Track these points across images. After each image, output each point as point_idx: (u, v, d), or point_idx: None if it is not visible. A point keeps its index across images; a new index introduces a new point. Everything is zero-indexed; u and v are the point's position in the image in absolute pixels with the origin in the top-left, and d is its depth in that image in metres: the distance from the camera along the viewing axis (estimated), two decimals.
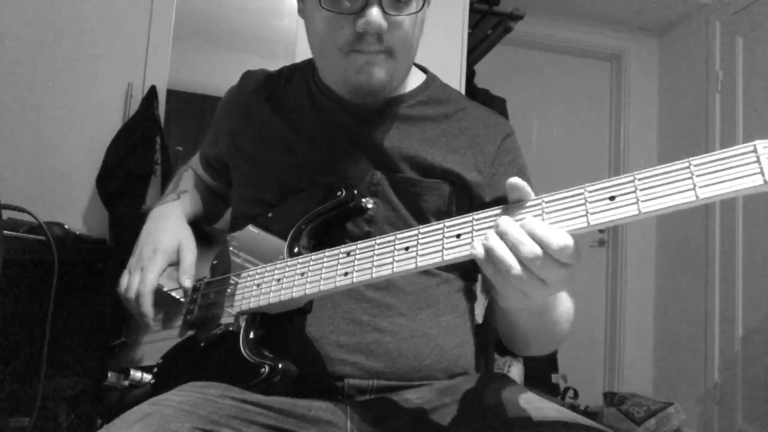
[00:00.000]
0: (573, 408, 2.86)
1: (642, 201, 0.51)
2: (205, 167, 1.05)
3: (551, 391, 2.91)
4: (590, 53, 3.63)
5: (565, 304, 0.76)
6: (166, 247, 0.87)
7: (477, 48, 2.77)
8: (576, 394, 3.00)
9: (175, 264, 0.87)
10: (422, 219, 0.84)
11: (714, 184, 0.48)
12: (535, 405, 0.70)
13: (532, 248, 0.53)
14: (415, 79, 0.92)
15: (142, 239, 0.91)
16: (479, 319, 0.94)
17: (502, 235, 0.55)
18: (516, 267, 0.54)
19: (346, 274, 0.67)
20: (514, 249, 0.54)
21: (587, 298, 3.47)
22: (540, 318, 0.74)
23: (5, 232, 1.36)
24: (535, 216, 0.56)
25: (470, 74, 2.78)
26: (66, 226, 1.78)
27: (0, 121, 2.08)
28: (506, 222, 0.56)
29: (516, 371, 2.64)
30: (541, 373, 2.92)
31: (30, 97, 2.12)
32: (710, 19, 3.17)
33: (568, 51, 3.60)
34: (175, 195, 1.01)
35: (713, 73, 3.11)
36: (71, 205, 2.10)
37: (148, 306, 0.84)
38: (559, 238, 0.53)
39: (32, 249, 1.49)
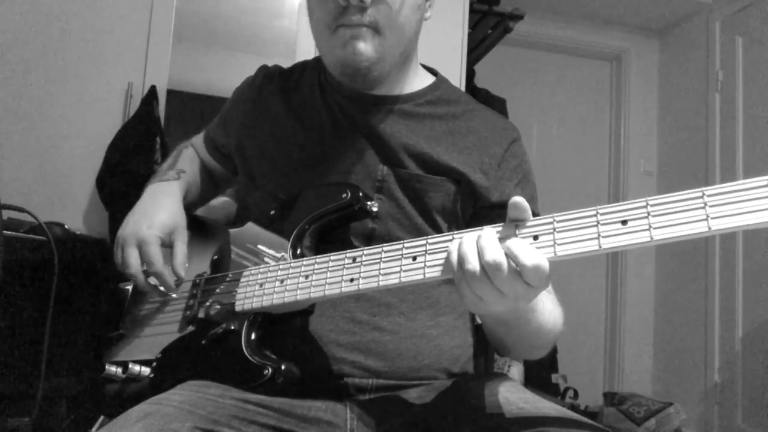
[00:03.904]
0: (573, 408, 2.86)
1: (654, 228, 0.51)
2: (212, 151, 1.05)
3: (551, 391, 2.91)
4: (590, 53, 3.63)
5: (545, 317, 0.74)
6: (162, 225, 0.86)
7: (477, 48, 2.77)
8: (576, 394, 3.00)
9: (167, 246, 0.86)
10: (427, 216, 0.84)
11: (727, 216, 0.48)
12: (535, 405, 0.70)
13: (495, 256, 0.55)
14: (424, 80, 0.93)
15: (137, 211, 0.89)
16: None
17: (477, 238, 0.57)
18: (474, 264, 0.56)
19: (351, 280, 0.66)
20: (480, 250, 0.56)
21: (587, 298, 3.47)
22: (506, 329, 0.75)
23: (5, 232, 1.36)
24: (545, 234, 0.56)
25: (470, 74, 2.78)
26: (66, 226, 1.78)
27: (0, 121, 2.08)
28: (487, 229, 0.58)
29: (516, 371, 2.64)
30: (541, 373, 2.92)
31: (30, 97, 2.12)
32: (710, 19, 3.17)
33: (568, 51, 3.59)
34: (175, 174, 0.99)
35: (713, 73, 3.11)
36: (71, 205, 2.10)
37: (169, 279, 0.83)
38: (532, 257, 0.54)
39: (32, 249, 1.50)
